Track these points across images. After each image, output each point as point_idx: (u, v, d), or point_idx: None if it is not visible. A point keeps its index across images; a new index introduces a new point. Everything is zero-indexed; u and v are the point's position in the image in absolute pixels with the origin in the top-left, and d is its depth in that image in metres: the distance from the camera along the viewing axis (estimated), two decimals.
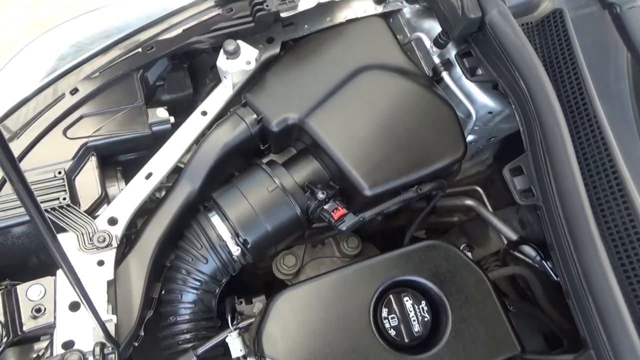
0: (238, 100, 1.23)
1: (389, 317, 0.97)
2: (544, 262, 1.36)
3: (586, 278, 0.92)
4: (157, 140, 1.18)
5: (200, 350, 1.03)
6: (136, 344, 1.09)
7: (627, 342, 0.86)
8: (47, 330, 1.00)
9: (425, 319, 0.98)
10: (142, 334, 1.10)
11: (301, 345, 0.94)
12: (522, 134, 1.08)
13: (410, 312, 0.97)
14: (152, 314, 1.11)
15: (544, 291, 1.48)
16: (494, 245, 1.74)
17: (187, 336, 1.07)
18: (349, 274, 1.00)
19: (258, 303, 1.20)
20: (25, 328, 0.98)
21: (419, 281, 1.00)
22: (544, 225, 1.03)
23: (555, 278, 1.30)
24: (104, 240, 1.04)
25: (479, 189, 1.80)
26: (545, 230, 1.03)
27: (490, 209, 1.72)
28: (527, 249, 1.45)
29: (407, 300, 0.98)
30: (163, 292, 1.11)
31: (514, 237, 1.53)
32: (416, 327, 0.96)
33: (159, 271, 1.15)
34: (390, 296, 0.99)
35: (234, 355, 1.02)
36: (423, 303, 0.99)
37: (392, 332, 0.97)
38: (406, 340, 0.96)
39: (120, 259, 1.07)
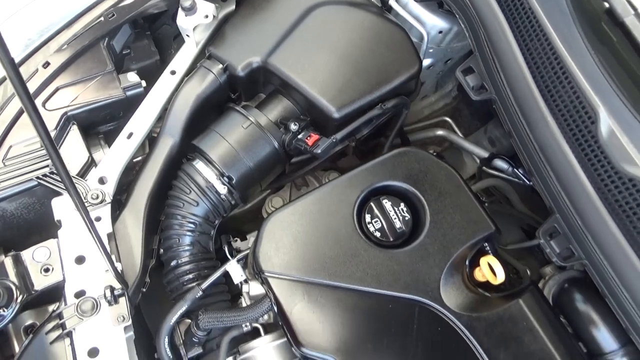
0: (204, 56, 1.29)
1: (372, 221, 1.05)
2: (515, 170, 1.45)
3: (543, 151, 1.00)
4: (131, 103, 1.24)
5: (204, 285, 1.09)
6: (144, 290, 1.16)
7: (587, 200, 0.95)
8: (58, 287, 1.07)
9: (406, 218, 1.06)
10: (148, 280, 1.17)
11: (295, 258, 1.01)
12: (469, 38, 1.16)
13: (391, 213, 1.05)
14: (156, 264, 1.19)
15: (520, 198, 1.57)
16: (469, 169, 1.84)
17: (190, 276, 1.14)
18: (330, 189, 1.07)
19: (251, 238, 1.27)
20: (36, 287, 1.05)
21: (395, 185, 1.08)
22: (500, 116, 1.11)
23: (528, 182, 1.39)
24: (97, 197, 1.10)
25: (448, 119, 1.90)
26: (502, 121, 1.11)
27: (461, 136, 1.82)
28: (499, 162, 1.54)
29: (386, 204, 1.06)
30: (161, 241, 1.18)
31: (485, 154, 1.62)
32: (398, 225, 1.04)
33: (155, 225, 1.21)
34: (371, 203, 1.07)
35: (235, 281, 1.09)
36: (402, 204, 1.07)
37: (378, 234, 1.04)
38: (391, 239, 1.04)
39: (115, 216, 1.14)
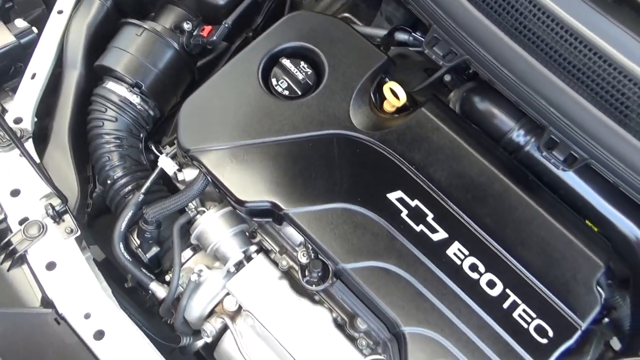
0: None
1: (279, 83, 1.12)
2: (415, 34, 1.55)
3: None
4: (26, 49, 1.27)
5: (144, 188, 1.15)
6: (88, 210, 1.21)
7: (458, 5, 1.05)
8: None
9: (309, 72, 1.14)
10: (91, 201, 1.22)
11: (215, 130, 1.07)
12: None
13: (293, 70, 1.13)
14: (94, 187, 1.24)
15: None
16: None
17: (129, 187, 1.18)
18: (233, 63, 1.13)
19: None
20: None
21: (291, 45, 1.15)
22: None
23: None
24: (18, 134, 1.13)
25: (348, 15, 1.98)
26: None
27: (362, 24, 1.91)
28: (399, 34, 1.63)
29: (287, 64, 1.13)
30: (94, 166, 1.22)
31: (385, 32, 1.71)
32: (301, 77, 1.12)
33: (84, 155, 1.25)
34: (274, 69, 1.14)
35: (170, 173, 1.14)
36: (301, 62, 1.15)
37: (286, 92, 1.12)
38: (299, 93, 1.12)
39: (40, 153, 1.18)
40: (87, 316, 1.00)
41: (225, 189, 1.04)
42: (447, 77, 1.26)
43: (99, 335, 0.98)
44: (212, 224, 1.10)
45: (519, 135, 1.09)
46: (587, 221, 1.09)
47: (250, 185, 1.03)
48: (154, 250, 1.18)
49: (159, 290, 1.14)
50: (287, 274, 1.13)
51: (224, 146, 1.06)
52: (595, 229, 1.09)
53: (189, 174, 1.14)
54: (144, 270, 1.14)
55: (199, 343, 1.35)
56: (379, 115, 1.11)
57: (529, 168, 1.09)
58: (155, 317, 1.26)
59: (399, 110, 1.14)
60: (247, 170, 1.04)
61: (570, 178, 1.06)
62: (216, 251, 1.11)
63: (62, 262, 1.04)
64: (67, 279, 1.02)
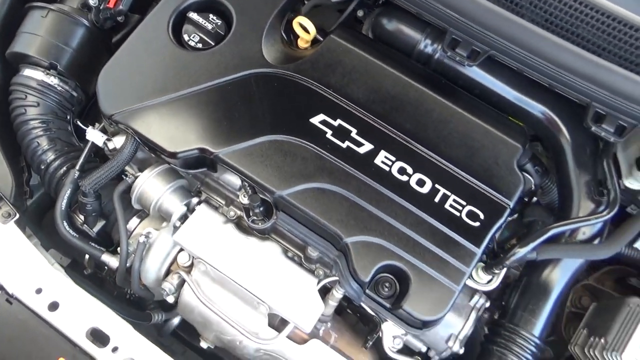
0: None
1: (191, 37, 1.14)
2: None
3: None
4: None
5: (78, 165, 1.15)
6: (27, 197, 1.21)
7: None
8: None
9: (218, 22, 1.16)
10: (28, 189, 1.22)
11: (135, 92, 1.08)
12: None
13: (202, 23, 1.14)
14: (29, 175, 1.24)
15: None
16: None
17: (64, 169, 1.19)
18: (141, 27, 1.14)
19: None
20: None
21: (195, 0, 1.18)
22: None
23: None
24: None
25: None
26: None
27: None
28: None
29: (195, 18, 1.14)
30: (25, 154, 1.22)
31: None
32: (210, 27, 1.14)
33: (14, 147, 1.25)
34: (184, 25, 1.16)
35: (100, 144, 1.15)
36: (210, 14, 1.16)
37: (200, 45, 1.14)
38: (213, 43, 1.14)
39: None
40: (38, 291, 1.00)
41: (155, 145, 1.06)
42: (360, 12, 1.30)
43: (53, 307, 0.99)
44: (149, 184, 1.12)
45: (426, 46, 1.13)
46: (509, 118, 1.15)
47: (178, 136, 1.05)
48: (100, 224, 1.19)
49: (111, 261, 1.16)
50: (238, 224, 1.16)
51: (146, 104, 1.07)
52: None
53: (119, 141, 1.15)
54: (92, 244, 1.15)
55: (175, 321, 1.38)
56: (292, 50, 1.15)
57: (443, 75, 1.14)
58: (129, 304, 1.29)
59: (313, 45, 1.18)
60: (173, 123, 1.06)
61: (481, 76, 1.11)
62: (159, 210, 1.13)
63: (5, 245, 1.04)
64: (13, 260, 1.03)
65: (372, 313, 1.06)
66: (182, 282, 1.12)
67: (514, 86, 1.09)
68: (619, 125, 0.99)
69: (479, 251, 0.97)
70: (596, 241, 1.04)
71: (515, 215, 1.20)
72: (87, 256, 1.27)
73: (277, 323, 1.10)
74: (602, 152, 1.06)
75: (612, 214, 0.99)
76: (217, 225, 1.09)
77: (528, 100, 1.09)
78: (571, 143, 1.06)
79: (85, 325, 0.98)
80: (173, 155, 1.05)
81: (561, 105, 1.07)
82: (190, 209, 1.13)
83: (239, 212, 1.15)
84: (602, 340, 1.03)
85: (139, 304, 1.39)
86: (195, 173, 1.15)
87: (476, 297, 1.06)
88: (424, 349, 1.12)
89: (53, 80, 1.20)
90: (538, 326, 1.03)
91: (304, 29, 1.15)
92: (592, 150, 1.07)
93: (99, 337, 0.98)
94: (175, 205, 1.11)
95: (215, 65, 1.10)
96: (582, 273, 1.08)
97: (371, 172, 1.01)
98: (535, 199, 1.19)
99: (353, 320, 1.28)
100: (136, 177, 1.16)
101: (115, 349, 0.96)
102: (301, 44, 1.18)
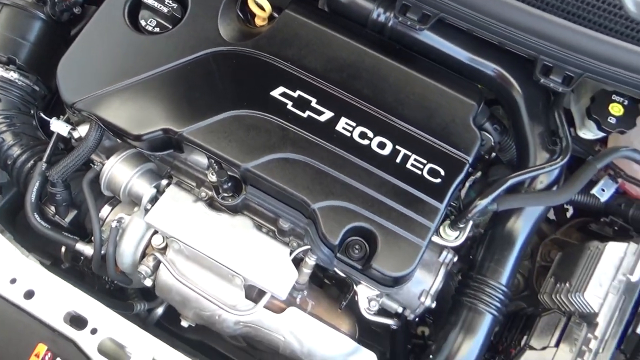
0: None
1: (148, 22, 1.15)
2: None
3: None
4: None
5: (45, 157, 1.16)
6: None
7: None
8: None
9: (174, 6, 1.16)
10: None
11: (93, 79, 1.09)
12: None
13: (157, 7, 1.15)
14: None
15: None
16: None
17: (31, 162, 1.19)
18: (95, 18, 1.15)
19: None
20: None
21: None
22: None
23: None
24: None
25: None
26: None
27: None
28: None
29: (150, 2, 1.15)
30: None
31: None
32: (166, 10, 1.15)
33: None
34: (141, 11, 1.17)
35: (65, 134, 1.16)
36: None
37: (158, 29, 1.14)
38: (171, 26, 1.14)
39: None
40: (12, 281, 1.01)
41: (119, 129, 1.07)
42: None
43: (29, 295, 1.00)
44: (117, 169, 1.13)
45: (379, 14, 1.15)
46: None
47: (142, 119, 1.07)
48: (72, 214, 1.19)
49: (86, 249, 1.16)
50: (210, 204, 1.18)
51: (107, 90, 1.08)
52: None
53: (85, 130, 1.16)
54: (65, 234, 1.16)
55: (159, 311, 1.39)
56: (249, 28, 1.17)
57: (399, 42, 1.16)
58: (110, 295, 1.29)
59: (270, 22, 1.20)
60: (135, 106, 1.07)
61: (434, 40, 1.13)
62: (129, 194, 1.14)
63: None
64: None
65: (345, 276, 1.09)
66: (158, 263, 1.14)
67: (466, 47, 1.12)
68: (566, 76, 1.03)
69: (442, 206, 1.01)
70: (554, 189, 1.08)
71: (479, 174, 1.24)
72: (63, 249, 1.28)
73: (255, 295, 1.12)
74: (553, 103, 1.10)
75: (564, 160, 1.03)
76: (187, 204, 1.11)
77: (480, 60, 1.12)
78: (524, 97, 1.10)
79: (62, 310, 0.98)
80: (138, 137, 1.07)
81: (512, 62, 1.11)
82: (160, 191, 1.14)
83: (210, 193, 1.16)
84: (567, 285, 1.07)
85: (120, 295, 1.40)
86: (163, 156, 1.17)
87: (444, 253, 1.10)
88: (400, 309, 1.15)
89: (13, 75, 1.20)
90: (504, 275, 1.07)
91: (260, 7, 1.17)
92: (544, 102, 1.11)
93: (76, 321, 0.99)
94: (144, 188, 1.13)
95: (173, 47, 1.12)
96: (542, 222, 1.12)
97: (333, 139, 1.04)
98: (495, 156, 1.24)
99: (333, 293, 1.31)
100: (103, 164, 1.17)
101: (94, 331, 0.98)
102: (258, 22, 1.20)
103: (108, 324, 0.99)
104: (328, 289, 1.29)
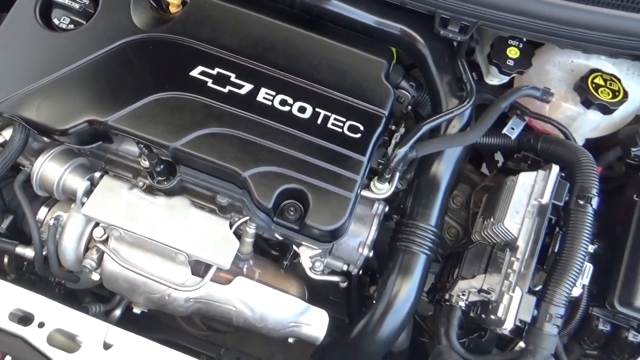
0: None
1: (62, 20, 1.16)
2: None
3: None
4: None
5: None
6: None
7: None
8: None
9: (86, 2, 1.18)
10: None
11: (12, 82, 1.09)
12: None
13: (68, 4, 1.16)
14: None
15: None
16: None
17: None
18: (7, 22, 1.15)
19: None
20: None
21: None
22: None
23: None
24: None
25: None
26: None
27: None
28: None
29: (61, 1, 1.17)
30: None
31: None
32: (78, 6, 1.16)
33: None
34: (53, 10, 1.18)
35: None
36: None
37: (72, 26, 1.16)
38: (84, 22, 1.16)
39: None
40: None
41: (44, 127, 1.08)
42: None
43: None
44: (47, 167, 1.14)
45: None
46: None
47: (66, 114, 1.08)
48: (8, 220, 1.19)
49: (27, 251, 1.17)
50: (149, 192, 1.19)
51: (28, 89, 1.09)
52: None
53: (9, 134, 1.16)
54: (2, 239, 1.16)
55: (117, 313, 1.39)
56: (162, 15, 1.20)
57: (309, 14, 1.22)
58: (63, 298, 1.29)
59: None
60: (58, 103, 1.08)
61: (341, 8, 1.19)
62: (64, 191, 1.15)
63: None
64: None
65: (288, 241, 1.13)
66: (102, 255, 1.15)
67: (372, 12, 1.19)
68: (463, 26, 1.12)
69: (364, 159, 1.07)
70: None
71: (403, 130, 1.31)
72: (5, 260, 1.27)
73: (202, 271, 1.15)
74: (456, 53, 1.18)
75: (471, 103, 1.11)
76: (123, 192, 1.12)
77: (386, 22, 1.19)
78: (430, 51, 1.18)
79: (5, 309, 0.99)
80: (64, 132, 1.08)
81: (414, 20, 1.18)
82: (95, 183, 1.15)
83: (147, 181, 1.19)
84: (492, 219, 1.16)
85: (73, 299, 1.39)
86: (95, 151, 1.18)
87: (376, 205, 1.16)
88: (345, 267, 1.21)
89: None
90: (433, 216, 1.14)
91: None
92: (448, 54, 1.19)
93: (22, 318, 0.99)
94: (78, 182, 1.14)
95: (89, 41, 1.13)
96: (462, 163, 1.20)
97: (255, 109, 1.08)
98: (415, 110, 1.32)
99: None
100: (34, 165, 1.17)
101: (41, 324, 0.98)
102: (173, 9, 1.23)
103: (55, 316, 0.99)
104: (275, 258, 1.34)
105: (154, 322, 1.58)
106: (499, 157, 1.57)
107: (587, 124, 1.21)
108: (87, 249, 1.18)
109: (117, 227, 1.09)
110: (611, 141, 1.29)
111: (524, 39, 1.18)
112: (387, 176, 1.12)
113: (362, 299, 1.42)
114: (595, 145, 1.30)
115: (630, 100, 1.19)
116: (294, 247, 1.14)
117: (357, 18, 1.20)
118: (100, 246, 1.13)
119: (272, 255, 1.34)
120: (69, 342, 1.00)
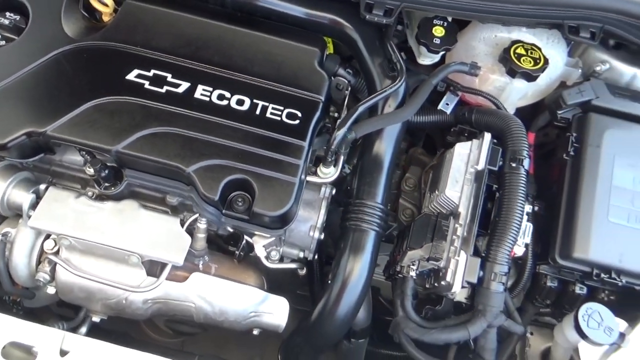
0: None
1: None
2: None
3: None
4: None
5: None
6: None
7: None
8: None
9: (17, 18, 1.19)
10: None
11: None
12: None
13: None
14: None
15: None
16: None
17: None
18: None
19: None
20: None
21: None
22: None
23: None
24: None
25: None
26: None
27: None
28: None
29: None
30: None
31: None
32: (8, 22, 1.17)
33: None
34: None
35: None
36: (5, 12, 1.19)
37: (3, 42, 1.17)
38: (16, 37, 1.17)
39: None
40: None
41: None
42: None
43: None
44: None
45: None
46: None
47: (2, 127, 1.07)
48: None
49: None
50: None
51: None
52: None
53: None
54: None
55: (83, 330, 1.37)
56: (95, 23, 1.21)
57: (241, 11, 1.25)
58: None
59: None
60: None
61: (271, 3, 1.23)
62: (9, 207, 1.14)
63: None
64: None
65: (240, 233, 1.15)
66: (54, 266, 1.14)
67: (301, 4, 1.23)
68: (387, 9, 1.17)
69: (305, 144, 1.10)
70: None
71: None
72: None
73: (158, 272, 1.15)
74: (384, 36, 1.23)
75: (402, 81, 1.16)
76: (70, 201, 1.12)
77: (316, 13, 1.24)
78: (359, 35, 1.23)
79: None
80: (3, 146, 1.07)
81: (343, 9, 1.23)
82: (40, 196, 1.14)
83: (96, 190, 1.19)
84: (436, 191, 1.20)
85: (35, 319, 1.37)
86: (38, 164, 1.18)
87: (323, 189, 1.19)
88: (300, 254, 1.23)
89: None
90: (378, 194, 1.17)
91: (103, 3, 1.22)
92: (378, 37, 1.24)
93: None
94: (22, 196, 1.13)
95: (22, 55, 1.14)
96: (401, 140, 1.24)
97: (194, 106, 1.11)
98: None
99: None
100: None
101: None
102: (105, 18, 1.24)
103: (7, 329, 0.99)
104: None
105: (123, 338, 1.57)
106: None
107: (515, 93, 1.27)
108: (39, 262, 1.17)
109: (67, 236, 1.09)
110: (543, 109, 1.36)
111: (448, 18, 1.24)
112: (330, 160, 1.15)
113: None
114: (532, 116, 1.37)
115: (552, 67, 1.26)
116: (247, 238, 1.16)
117: (288, 12, 1.24)
118: (52, 257, 1.12)
119: (229, 252, 1.35)
120: (25, 355, 0.99)
